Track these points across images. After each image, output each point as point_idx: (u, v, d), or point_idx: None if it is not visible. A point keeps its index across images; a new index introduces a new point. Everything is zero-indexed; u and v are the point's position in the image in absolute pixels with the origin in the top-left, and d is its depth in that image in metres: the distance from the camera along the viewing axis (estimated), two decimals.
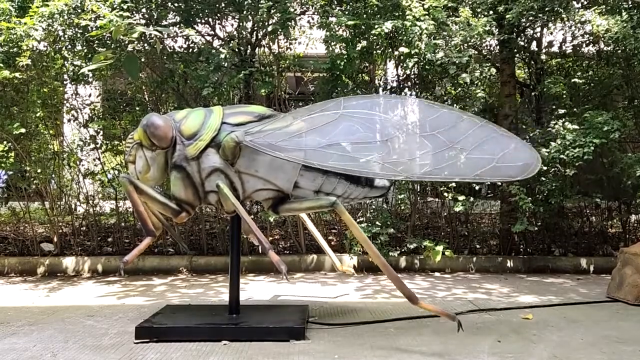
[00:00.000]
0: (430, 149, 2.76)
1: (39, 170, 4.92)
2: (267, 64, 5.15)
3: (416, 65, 4.81)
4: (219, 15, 4.93)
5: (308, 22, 5.12)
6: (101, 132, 5.29)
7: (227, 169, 2.78)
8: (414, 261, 4.89)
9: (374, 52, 4.84)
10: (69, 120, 5.17)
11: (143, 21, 4.50)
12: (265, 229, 5.05)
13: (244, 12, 4.75)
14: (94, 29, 4.18)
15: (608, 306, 3.56)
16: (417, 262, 4.88)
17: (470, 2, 4.77)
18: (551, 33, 5.52)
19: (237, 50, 4.85)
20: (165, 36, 4.61)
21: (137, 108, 5.18)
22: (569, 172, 4.42)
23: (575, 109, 4.80)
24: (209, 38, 5.09)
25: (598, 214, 5.34)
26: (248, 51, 4.93)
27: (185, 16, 4.71)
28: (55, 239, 4.97)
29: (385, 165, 2.72)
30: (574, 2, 4.72)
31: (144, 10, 4.56)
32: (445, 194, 4.86)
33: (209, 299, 3.79)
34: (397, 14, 4.51)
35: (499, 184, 4.92)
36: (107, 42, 4.46)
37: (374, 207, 5.15)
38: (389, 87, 5.25)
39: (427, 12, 4.40)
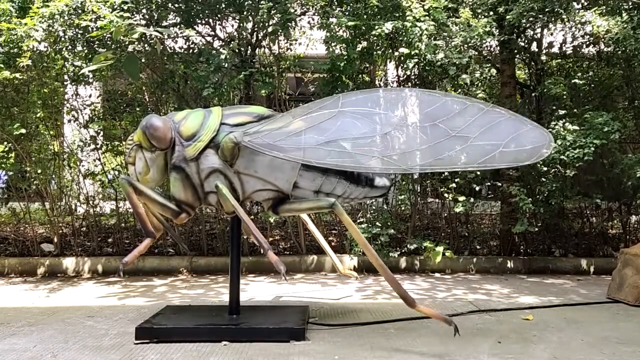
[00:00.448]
0: (431, 139, 2.69)
1: (39, 171, 4.93)
2: (268, 64, 5.15)
3: (416, 66, 4.82)
4: (219, 16, 4.93)
5: (308, 22, 5.12)
6: (101, 133, 5.29)
7: (226, 170, 2.78)
8: (414, 262, 4.89)
9: (374, 52, 4.84)
10: (69, 121, 5.18)
11: (143, 22, 4.50)
12: (265, 230, 5.06)
13: (245, 13, 4.75)
14: (95, 29, 4.19)
15: (608, 307, 3.56)
16: (418, 262, 4.88)
17: (470, 3, 4.77)
18: (551, 34, 5.53)
19: (237, 51, 4.85)
20: (166, 37, 4.61)
21: (138, 109, 5.19)
22: (569, 173, 4.42)
23: (575, 110, 4.80)
24: (209, 39, 5.10)
25: (598, 215, 5.34)
26: (248, 52, 4.93)
27: (186, 17, 4.71)
28: (55, 240, 4.98)
29: (385, 159, 2.67)
30: (574, 3, 4.72)
31: (144, 11, 4.56)
32: (446, 195, 4.86)
33: (209, 299, 3.79)
34: (397, 14, 4.51)
35: (499, 184, 4.92)
36: (108, 42, 4.46)
37: (374, 207, 5.15)
38: (389, 87, 5.25)
39: (427, 13, 4.40)
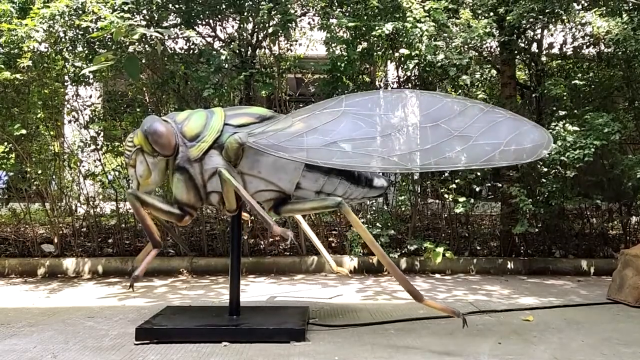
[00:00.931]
0: (433, 139, 2.74)
1: (39, 172, 4.93)
2: (268, 65, 5.15)
3: (417, 67, 4.82)
4: (219, 16, 4.93)
5: (309, 23, 5.12)
6: (102, 134, 5.30)
7: (229, 170, 2.78)
8: (415, 263, 4.88)
9: (375, 53, 4.84)
10: (69, 122, 5.18)
11: (144, 23, 4.50)
12: (265, 230, 5.05)
13: (245, 14, 4.76)
14: (95, 30, 4.19)
15: (608, 308, 3.56)
16: (418, 263, 4.88)
17: (470, 4, 4.78)
18: (552, 35, 5.53)
19: (237, 51, 4.86)
20: (166, 37, 4.61)
21: (138, 109, 5.19)
22: (569, 174, 4.42)
23: (575, 111, 4.80)
24: (209, 39, 5.10)
25: (598, 216, 5.34)
26: (249, 52, 4.93)
27: (186, 17, 4.71)
28: (55, 240, 4.98)
29: (388, 159, 2.71)
30: (575, 4, 4.73)
31: (144, 11, 4.56)
32: (446, 196, 4.86)
33: (209, 300, 3.79)
34: (397, 15, 4.51)
35: (500, 184, 4.93)
36: (108, 43, 4.47)
37: (374, 208, 5.15)
38: (389, 88, 5.25)
39: (427, 14, 4.40)
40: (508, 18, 4.56)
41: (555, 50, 5.49)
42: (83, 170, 5.22)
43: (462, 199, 4.71)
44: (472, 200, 4.84)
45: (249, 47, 4.95)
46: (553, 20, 4.82)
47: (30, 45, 4.26)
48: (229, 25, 5.09)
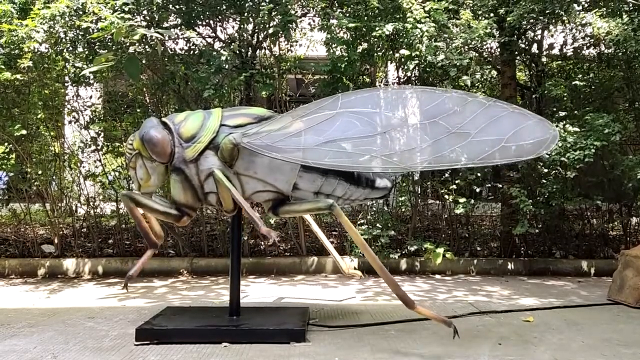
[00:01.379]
0: (430, 137, 2.67)
1: (39, 172, 4.93)
2: (268, 66, 5.16)
3: (417, 68, 4.83)
4: (220, 17, 4.94)
5: (309, 24, 5.13)
6: (102, 134, 5.30)
7: (225, 171, 2.77)
8: (415, 263, 4.88)
9: (375, 54, 4.85)
10: (70, 122, 5.18)
11: (144, 23, 4.50)
12: None
13: (245, 15, 4.76)
14: (95, 31, 4.19)
15: (609, 309, 3.56)
16: (418, 264, 4.88)
17: (471, 5, 4.78)
18: (552, 35, 5.53)
19: (238, 52, 4.86)
20: (167, 38, 4.62)
21: (138, 110, 5.19)
22: (569, 175, 4.42)
23: (576, 112, 4.80)
24: (210, 40, 5.10)
25: (599, 217, 5.34)
26: (249, 53, 4.93)
27: (187, 18, 4.72)
28: (55, 241, 4.98)
29: (383, 158, 2.66)
30: (575, 5, 4.73)
31: (145, 12, 4.56)
32: (446, 196, 4.86)
33: (209, 300, 3.79)
34: (397, 16, 4.51)
35: (500, 185, 4.93)
36: (108, 44, 4.47)
37: (374, 209, 5.15)
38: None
39: (427, 15, 4.41)
40: (508, 19, 4.57)
41: (556, 51, 5.49)
42: (83, 170, 5.23)
43: (462, 200, 4.71)
44: (472, 201, 4.84)
45: (249, 48, 4.95)
46: (553, 21, 4.83)
47: (31, 45, 4.27)
48: (229, 25, 5.10)
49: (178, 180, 2.78)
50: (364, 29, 4.52)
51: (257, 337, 2.74)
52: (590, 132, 4.32)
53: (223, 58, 4.35)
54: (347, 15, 4.58)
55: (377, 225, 4.73)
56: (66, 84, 5.01)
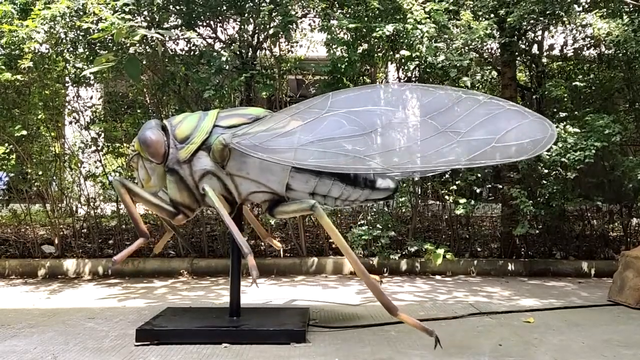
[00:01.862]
0: (422, 136, 2.59)
1: (40, 173, 4.93)
2: (269, 66, 5.16)
3: (417, 68, 4.83)
4: (220, 18, 4.94)
5: (309, 24, 5.13)
6: (102, 135, 5.30)
7: (218, 172, 2.76)
8: (415, 264, 4.88)
9: (375, 54, 4.84)
10: (70, 123, 5.18)
11: (145, 24, 4.51)
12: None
13: (246, 15, 4.76)
14: (96, 31, 4.19)
15: (609, 310, 3.56)
16: (418, 265, 4.88)
17: (471, 6, 4.78)
18: (552, 36, 5.54)
19: (238, 52, 4.86)
20: (167, 39, 4.62)
21: (139, 110, 5.20)
22: (570, 175, 4.42)
23: (576, 112, 4.80)
24: (210, 41, 5.11)
25: (599, 217, 5.34)
26: (249, 54, 4.93)
27: (187, 19, 4.72)
28: (56, 241, 4.98)
29: (364, 158, 2.58)
30: (575, 6, 4.73)
31: (145, 13, 4.57)
32: (447, 197, 4.86)
33: (209, 301, 3.79)
34: (398, 17, 4.51)
35: (500, 186, 4.92)
36: (109, 44, 4.47)
37: (374, 210, 5.15)
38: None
39: (428, 15, 4.41)
40: (509, 19, 4.57)
41: (556, 52, 5.50)
42: (84, 171, 5.23)
43: (462, 201, 4.71)
44: (472, 202, 4.84)
45: (250, 49, 4.95)
46: (554, 21, 4.83)
47: (31, 46, 4.27)
48: (229, 26, 5.10)
49: (173, 181, 2.79)
50: (364, 30, 4.52)
51: (257, 337, 2.73)
52: (591, 133, 4.32)
53: (223, 59, 4.35)
54: (348, 15, 4.58)
55: (378, 225, 4.73)
56: (67, 85, 5.02)
